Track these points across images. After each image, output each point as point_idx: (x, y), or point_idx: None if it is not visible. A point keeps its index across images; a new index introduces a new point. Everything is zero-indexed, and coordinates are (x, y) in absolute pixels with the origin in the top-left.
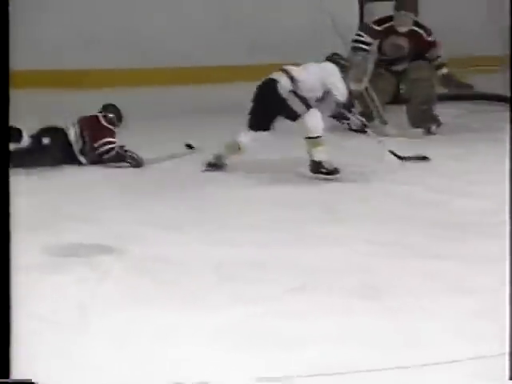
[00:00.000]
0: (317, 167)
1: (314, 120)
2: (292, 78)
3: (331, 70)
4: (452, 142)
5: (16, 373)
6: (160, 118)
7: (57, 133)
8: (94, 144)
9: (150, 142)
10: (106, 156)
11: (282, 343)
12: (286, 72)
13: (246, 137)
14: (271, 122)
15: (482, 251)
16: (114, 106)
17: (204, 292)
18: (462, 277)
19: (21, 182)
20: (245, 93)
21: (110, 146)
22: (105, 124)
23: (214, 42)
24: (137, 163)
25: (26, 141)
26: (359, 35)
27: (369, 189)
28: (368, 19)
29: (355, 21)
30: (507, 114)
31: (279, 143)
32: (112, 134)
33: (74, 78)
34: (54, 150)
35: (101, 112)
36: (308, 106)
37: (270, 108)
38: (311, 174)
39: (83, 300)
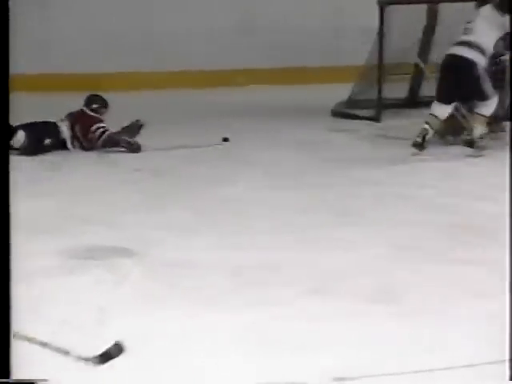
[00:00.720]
0: (472, 143)
1: (494, 105)
2: (483, 51)
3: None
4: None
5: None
6: (179, 121)
7: (51, 128)
8: (86, 136)
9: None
10: (99, 141)
11: (297, 347)
12: (471, 45)
13: (441, 108)
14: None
15: (500, 256)
16: (96, 95)
17: (220, 296)
18: (480, 282)
19: (36, 184)
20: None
21: (102, 129)
22: (91, 114)
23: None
24: (133, 148)
25: (21, 136)
26: None
27: (384, 192)
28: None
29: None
30: None
31: (290, 148)
32: (100, 120)
33: (90, 81)
34: (53, 148)
35: (85, 105)
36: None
37: (464, 90)
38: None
39: (101, 303)
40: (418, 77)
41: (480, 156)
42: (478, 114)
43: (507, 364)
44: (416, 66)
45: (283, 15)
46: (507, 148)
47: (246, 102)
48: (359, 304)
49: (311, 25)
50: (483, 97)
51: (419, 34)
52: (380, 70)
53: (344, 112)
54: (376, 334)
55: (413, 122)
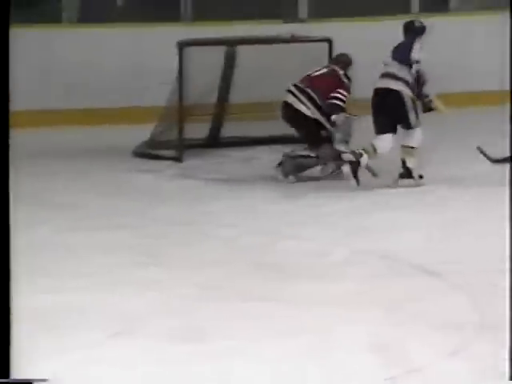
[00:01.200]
0: (409, 173)
1: (419, 135)
2: (407, 83)
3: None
4: (271, 185)
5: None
6: None
7: None
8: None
9: None
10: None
11: None
12: (397, 78)
13: (380, 141)
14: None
15: (305, 293)
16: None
17: (25, 342)
18: (286, 319)
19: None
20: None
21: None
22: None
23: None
24: None
25: None
26: None
27: (189, 232)
28: None
29: None
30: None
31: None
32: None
33: None
34: None
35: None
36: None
37: (393, 117)
38: (400, 178)
39: None
40: (218, 117)
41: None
42: (404, 146)
43: (507, 364)
44: (216, 106)
45: (81, 55)
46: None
47: (40, 144)
48: (167, 343)
49: (111, 65)
50: (408, 125)
51: (219, 75)
52: (180, 110)
53: (146, 153)
54: (183, 373)
55: (214, 162)
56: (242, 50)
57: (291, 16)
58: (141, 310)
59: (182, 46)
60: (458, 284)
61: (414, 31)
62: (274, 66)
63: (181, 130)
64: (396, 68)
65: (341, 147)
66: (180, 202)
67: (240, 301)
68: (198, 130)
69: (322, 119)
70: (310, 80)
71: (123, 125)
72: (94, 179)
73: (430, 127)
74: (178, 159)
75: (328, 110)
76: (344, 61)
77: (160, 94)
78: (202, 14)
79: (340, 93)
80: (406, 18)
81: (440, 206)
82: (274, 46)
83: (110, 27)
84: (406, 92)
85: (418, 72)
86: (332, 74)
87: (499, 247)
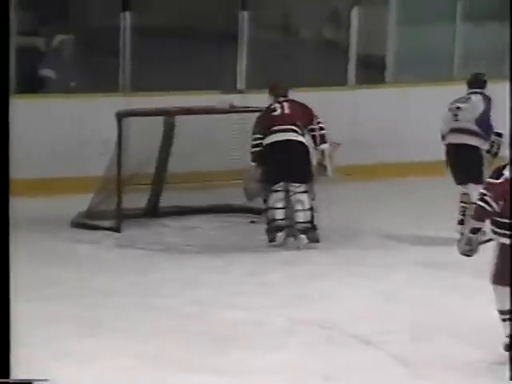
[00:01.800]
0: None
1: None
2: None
3: None
4: (212, 255)
5: None
6: None
7: None
8: None
9: None
10: None
11: None
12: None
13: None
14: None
15: (243, 363)
16: None
17: None
18: None
19: None
20: None
21: None
22: None
23: None
24: None
25: None
26: None
27: (126, 302)
28: None
29: None
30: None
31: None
32: None
33: None
34: None
35: None
36: None
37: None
38: None
39: None
40: (157, 187)
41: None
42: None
43: (507, 364)
44: (155, 176)
45: (19, 126)
46: (249, 258)
47: None
48: None
49: (50, 135)
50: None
51: (157, 145)
52: (119, 180)
53: (84, 223)
54: None
55: (153, 232)
56: (180, 120)
57: (229, 87)
58: (75, 381)
59: (121, 116)
60: (395, 354)
61: (479, 84)
62: (212, 135)
63: (119, 200)
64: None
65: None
66: (119, 272)
67: (178, 371)
68: (136, 199)
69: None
70: (285, 117)
71: (61, 195)
72: (32, 249)
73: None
74: (116, 229)
75: (319, 141)
76: (280, 88)
77: (99, 165)
78: (140, 85)
79: (320, 122)
80: (343, 90)
81: (377, 275)
82: (213, 116)
83: (48, 97)
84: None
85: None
86: (294, 102)
87: (435, 316)
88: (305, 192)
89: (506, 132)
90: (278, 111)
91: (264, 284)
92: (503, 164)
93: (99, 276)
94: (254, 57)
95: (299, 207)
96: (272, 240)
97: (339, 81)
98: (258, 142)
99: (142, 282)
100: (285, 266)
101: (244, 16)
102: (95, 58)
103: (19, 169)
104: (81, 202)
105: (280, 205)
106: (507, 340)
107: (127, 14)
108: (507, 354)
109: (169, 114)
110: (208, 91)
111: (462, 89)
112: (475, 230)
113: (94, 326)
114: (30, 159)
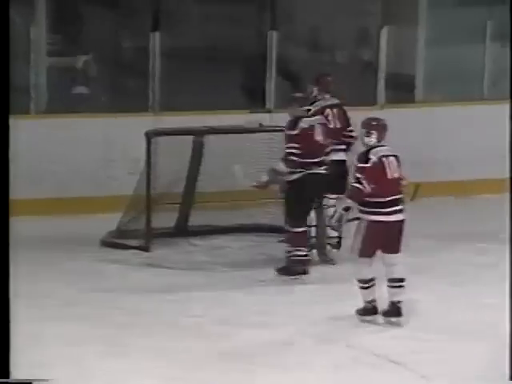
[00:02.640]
0: None
1: None
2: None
3: None
4: (240, 274)
5: None
6: None
7: None
8: None
9: None
10: None
11: None
12: None
13: None
14: None
15: (270, 383)
16: None
17: None
18: None
19: None
20: None
21: None
22: None
23: None
24: None
25: None
26: None
27: (158, 322)
28: None
29: None
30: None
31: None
32: None
33: None
34: None
35: None
36: None
37: None
38: None
39: None
40: (186, 206)
41: None
42: None
43: (507, 364)
44: (184, 195)
45: (48, 145)
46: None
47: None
48: None
49: (80, 155)
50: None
51: (186, 164)
52: (148, 199)
53: (113, 242)
54: None
55: (182, 251)
56: (209, 139)
57: (258, 106)
58: None
59: (150, 135)
60: (424, 374)
61: None
62: (241, 155)
63: (148, 219)
64: None
65: None
66: (147, 292)
67: None
68: (165, 219)
69: None
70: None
71: (91, 214)
72: (61, 268)
73: None
74: (145, 248)
75: None
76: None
77: (128, 184)
78: (169, 104)
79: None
80: (373, 109)
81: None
82: (241, 135)
83: (78, 117)
84: None
85: None
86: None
87: (462, 336)
88: (335, 206)
89: None
90: (331, 123)
91: (291, 303)
92: (366, 149)
93: (127, 295)
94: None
95: (331, 222)
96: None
97: (369, 100)
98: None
99: (170, 301)
100: (312, 285)
101: (273, 35)
102: (125, 77)
103: (49, 188)
104: (110, 221)
105: (314, 223)
106: (365, 305)
107: (157, 34)
108: None
109: (198, 134)
110: (237, 110)
111: (491, 108)
112: (347, 209)
113: (122, 346)
114: (60, 178)
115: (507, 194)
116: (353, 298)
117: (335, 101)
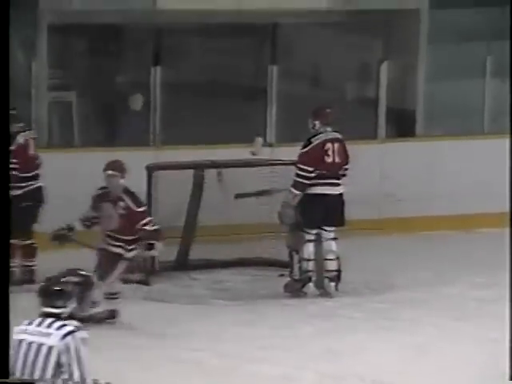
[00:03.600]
0: None
1: None
2: None
3: None
4: (240, 308)
5: None
6: None
7: None
8: None
9: None
10: None
11: None
12: None
13: None
14: None
15: None
16: None
17: None
18: None
19: None
20: None
21: None
22: None
23: None
24: None
25: None
26: None
27: (156, 356)
28: None
29: None
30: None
31: None
32: None
33: None
34: None
35: None
36: None
37: None
38: None
39: None
40: (186, 240)
41: None
42: None
43: (507, 364)
44: (184, 228)
45: (48, 180)
46: (280, 311)
47: None
48: None
49: (80, 190)
50: None
51: (187, 198)
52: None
53: None
54: None
55: (182, 285)
56: (210, 173)
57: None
58: None
59: (151, 169)
60: None
61: None
62: (241, 188)
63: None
64: None
65: None
66: (146, 326)
67: None
68: (166, 252)
69: None
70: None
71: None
72: None
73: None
74: (145, 282)
75: None
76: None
77: None
78: (170, 139)
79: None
80: (373, 143)
81: (406, 329)
82: (242, 168)
83: (79, 151)
84: None
85: None
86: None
87: (465, 370)
88: (335, 239)
89: None
90: (330, 158)
91: (292, 338)
92: None
93: (127, 329)
94: (284, 110)
95: (331, 256)
96: (302, 287)
97: (369, 134)
98: (307, 174)
99: (170, 335)
100: (313, 320)
101: (273, 70)
102: (125, 111)
103: (47, 222)
104: None
105: (313, 256)
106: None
107: (157, 68)
108: None
109: (198, 167)
110: (237, 144)
111: (491, 143)
112: None
113: (122, 380)
114: (58, 212)
115: (507, 229)
116: (352, 333)
117: (337, 135)
